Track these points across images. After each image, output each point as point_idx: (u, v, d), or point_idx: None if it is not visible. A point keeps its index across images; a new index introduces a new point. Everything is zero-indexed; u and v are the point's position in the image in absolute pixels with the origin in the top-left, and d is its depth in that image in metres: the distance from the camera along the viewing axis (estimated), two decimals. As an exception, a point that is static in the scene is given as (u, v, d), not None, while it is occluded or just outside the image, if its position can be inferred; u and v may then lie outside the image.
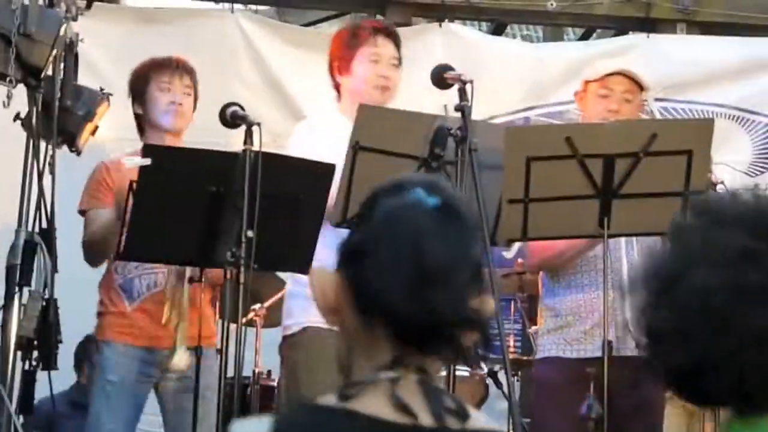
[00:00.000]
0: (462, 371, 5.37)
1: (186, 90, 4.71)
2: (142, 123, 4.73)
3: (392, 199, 1.67)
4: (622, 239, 4.52)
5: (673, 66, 7.00)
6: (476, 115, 4.31)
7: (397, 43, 4.64)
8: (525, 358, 5.68)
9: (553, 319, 4.64)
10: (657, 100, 6.66)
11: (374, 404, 1.56)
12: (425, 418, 1.55)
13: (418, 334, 1.60)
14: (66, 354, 4.59)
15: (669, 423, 4.94)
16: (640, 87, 4.74)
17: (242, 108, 4.29)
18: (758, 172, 6.98)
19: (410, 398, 1.56)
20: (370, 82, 4.52)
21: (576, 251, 4.51)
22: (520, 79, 6.98)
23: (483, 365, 5.90)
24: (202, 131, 5.14)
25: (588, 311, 4.51)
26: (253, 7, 7.39)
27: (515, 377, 5.09)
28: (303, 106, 6.54)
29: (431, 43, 6.78)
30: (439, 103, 4.27)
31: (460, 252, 1.64)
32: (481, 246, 1.75)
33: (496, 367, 5.68)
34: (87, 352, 5.28)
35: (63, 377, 4.76)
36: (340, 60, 4.60)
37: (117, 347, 4.51)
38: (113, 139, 4.84)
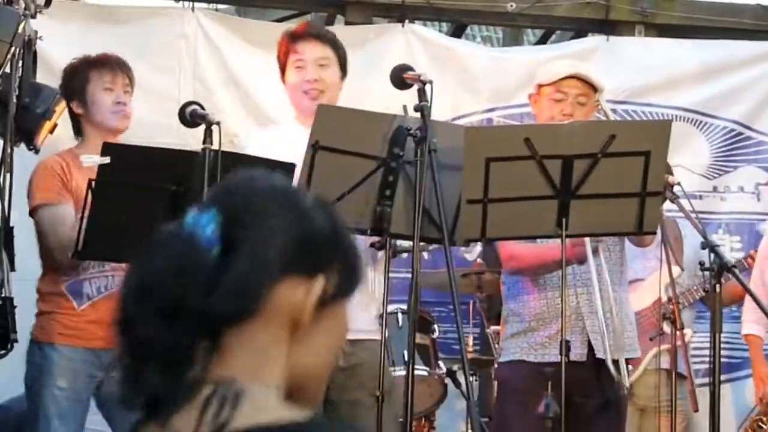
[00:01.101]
0: (420, 371, 5.39)
1: (126, 88, 4.66)
2: (82, 123, 4.65)
3: None
4: (588, 242, 4.56)
5: (633, 69, 7.05)
6: (437, 115, 4.34)
7: (326, 42, 4.60)
8: (484, 357, 5.71)
9: (517, 324, 4.65)
10: (617, 103, 6.70)
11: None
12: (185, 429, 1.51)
13: None
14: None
15: None
16: (594, 89, 4.77)
17: (202, 107, 4.29)
18: (716, 175, 7.04)
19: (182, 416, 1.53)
20: (298, 88, 4.53)
21: (546, 269, 4.54)
22: (481, 81, 7.00)
23: (442, 365, 5.93)
24: (161, 130, 5.15)
25: (553, 316, 4.53)
26: (213, 5, 7.36)
27: (474, 377, 5.11)
28: (263, 104, 6.55)
29: (393, 43, 6.79)
30: (403, 102, 4.28)
31: None
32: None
33: (455, 367, 5.70)
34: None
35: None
36: (280, 71, 4.62)
37: (63, 350, 4.47)
38: (71, 136, 4.80)
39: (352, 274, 1.64)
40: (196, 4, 6.98)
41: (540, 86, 4.78)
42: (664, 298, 5.49)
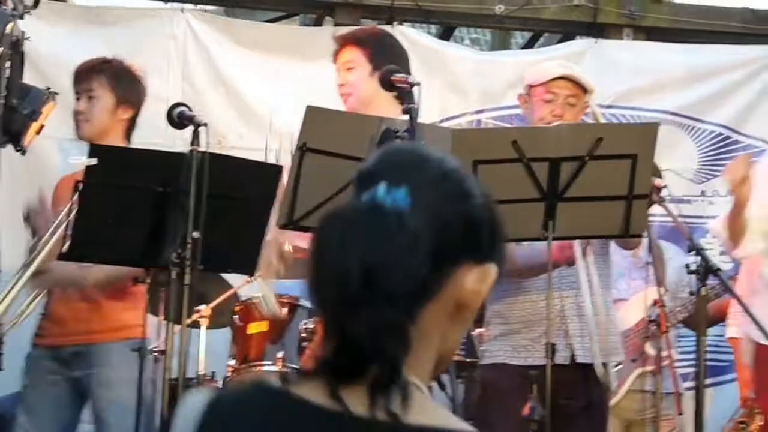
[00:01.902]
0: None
1: (90, 94, 4.72)
2: None
3: None
4: (577, 245, 4.56)
5: (621, 73, 7.05)
6: (426, 117, 4.34)
7: (353, 45, 4.69)
8: (469, 360, 5.70)
9: (501, 325, 4.64)
10: (605, 107, 6.70)
11: (311, 390, 1.57)
12: (358, 408, 1.53)
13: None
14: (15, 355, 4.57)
15: None
16: (584, 90, 4.77)
17: (189, 108, 4.29)
18: (704, 179, 7.04)
19: (350, 389, 1.55)
20: (339, 91, 4.68)
21: (534, 273, 4.54)
22: (470, 83, 7.00)
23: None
24: (149, 131, 5.13)
25: (537, 319, 4.51)
26: (202, 7, 7.36)
27: (459, 379, 5.10)
28: (253, 105, 6.55)
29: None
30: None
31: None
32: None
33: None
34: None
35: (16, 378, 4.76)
36: None
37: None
38: (57, 138, 4.81)
39: (503, 262, 1.65)
40: (185, 6, 6.98)
41: (530, 86, 4.78)
42: (648, 318, 5.50)
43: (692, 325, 5.39)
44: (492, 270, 1.59)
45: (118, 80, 4.76)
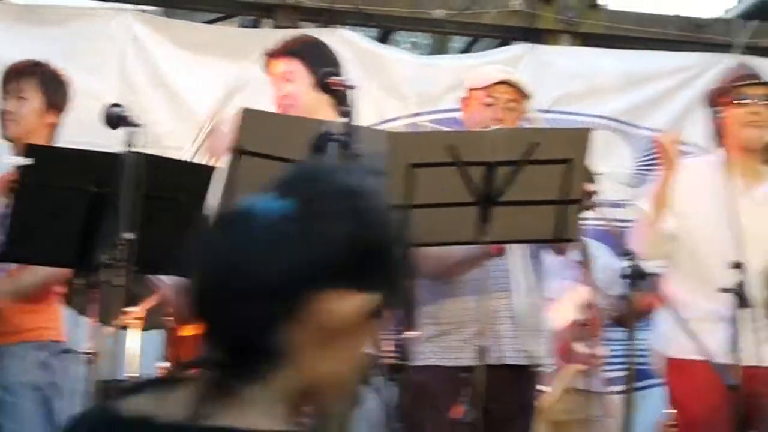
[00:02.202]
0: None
1: (20, 94, 4.73)
2: None
3: None
4: (516, 248, 4.58)
5: (558, 78, 7.09)
6: (363, 120, 4.34)
7: (289, 56, 4.65)
8: (402, 363, 5.70)
9: (432, 326, 4.65)
10: (543, 111, 6.73)
11: (140, 402, 1.54)
12: (176, 412, 1.49)
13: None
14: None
15: None
16: (524, 95, 4.81)
17: (125, 108, 4.26)
18: (639, 184, 7.09)
19: (181, 393, 1.52)
20: (276, 104, 4.62)
21: (463, 269, 4.56)
22: (408, 86, 7.01)
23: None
24: (87, 131, 5.09)
25: (468, 320, 4.53)
26: (141, 7, 7.31)
27: (392, 382, 5.11)
28: (191, 105, 6.52)
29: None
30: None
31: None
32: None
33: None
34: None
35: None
36: None
37: None
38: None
39: (394, 294, 1.58)
40: (125, 6, 6.93)
41: (471, 90, 4.83)
42: (578, 318, 5.54)
43: (622, 323, 5.41)
44: (371, 301, 1.52)
45: (48, 84, 4.74)
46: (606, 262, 5.54)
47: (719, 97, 4.86)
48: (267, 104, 4.61)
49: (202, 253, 1.55)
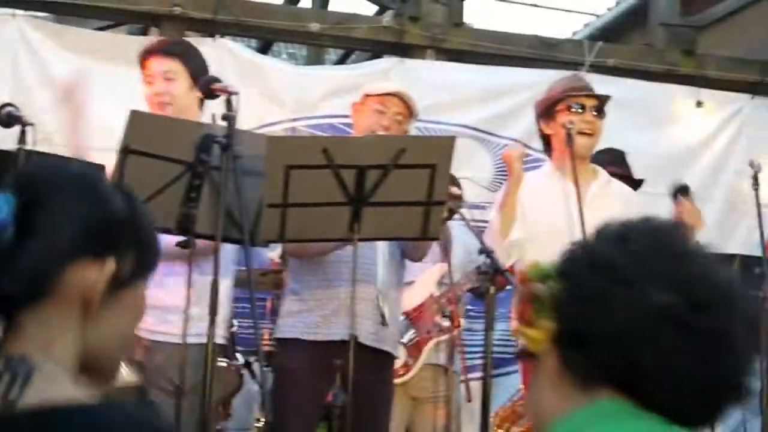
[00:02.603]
0: (221, 362, 5.37)
1: None
2: None
3: None
4: (378, 243, 4.62)
5: (424, 90, 7.09)
6: (244, 124, 4.33)
7: (172, 56, 4.57)
8: (277, 350, 5.72)
9: (296, 302, 4.68)
10: (411, 119, 6.78)
11: None
12: None
13: None
14: None
15: (394, 411, 5.04)
16: (412, 113, 4.87)
17: (17, 108, 4.20)
18: (497, 187, 7.09)
19: None
20: (149, 101, 4.53)
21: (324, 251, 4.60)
22: (286, 93, 7.01)
23: (239, 357, 5.93)
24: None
25: (330, 299, 4.58)
26: (33, 13, 7.19)
27: (269, 368, 5.12)
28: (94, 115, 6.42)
29: (204, 56, 6.72)
30: (213, 111, 4.26)
31: None
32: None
33: (252, 359, 5.73)
34: None
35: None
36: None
37: None
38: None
39: (147, 257, 1.62)
40: (17, 11, 6.80)
41: (367, 96, 4.85)
42: (437, 293, 5.59)
43: (478, 295, 5.43)
44: (108, 265, 1.56)
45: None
46: (464, 240, 5.58)
47: (552, 106, 4.89)
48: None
49: None
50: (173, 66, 4.54)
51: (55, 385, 1.48)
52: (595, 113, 4.87)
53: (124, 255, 1.58)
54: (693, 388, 1.61)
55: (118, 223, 1.58)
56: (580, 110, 4.85)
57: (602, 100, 4.92)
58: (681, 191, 4.94)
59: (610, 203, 4.80)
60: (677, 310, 1.59)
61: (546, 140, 5.00)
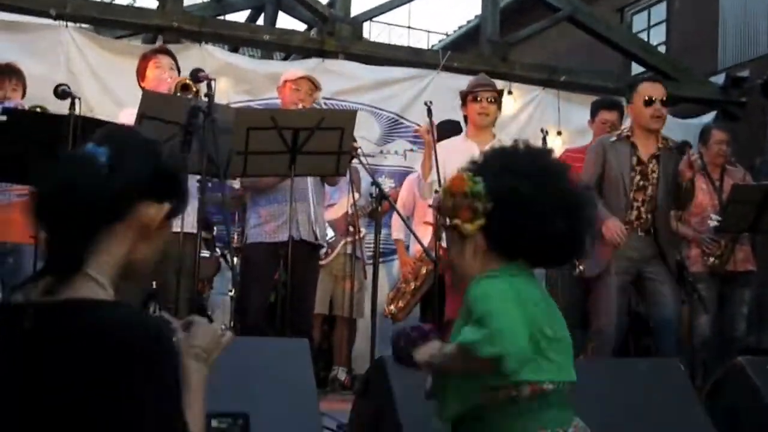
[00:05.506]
0: (204, 254, 5.30)
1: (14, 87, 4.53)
2: None
3: None
4: (308, 177, 4.57)
5: (336, 80, 6.92)
6: (220, 100, 4.23)
7: (171, 56, 4.51)
8: (245, 249, 5.68)
9: (256, 219, 4.63)
10: (327, 99, 6.65)
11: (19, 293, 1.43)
12: (17, 298, 1.41)
13: None
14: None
15: (321, 285, 5.05)
16: (317, 88, 4.80)
17: (69, 86, 4.06)
18: (383, 143, 7.04)
19: (42, 283, 1.41)
20: (157, 81, 4.37)
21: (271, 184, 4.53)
22: (247, 82, 6.78)
23: (218, 250, 5.88)
24: (45, 101, 4.77)
25: (279, 215, 4.54)
26: (80, 25, 6.88)
27: (237, 258, 5.09)
28: (111, 87, 6.19)
29: (193, 56, 6.53)
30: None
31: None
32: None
33: (227, 251, 5.68)
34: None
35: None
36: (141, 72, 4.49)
37: None
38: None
39: (182, 205, 1.57)
40: (70, 23, 6.48)
41: (286, 81, 4.79)
42: (350, 211, 5.60)
43: (372, 216, 5.38)
44: (165, 207, 1.51)
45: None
46: (366, 180, 5.56)
47: (465, 96, 4.76)
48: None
49: (50, 177, 1.44)
50: (172, 62, 4.48)
51: (87, 286, 1.42)
52: (491, 101, 4.72)
53: (172, 201, 1.53)
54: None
55: (173, 178, 1.54)
56: (480, 100, 4.70)
57: (498, 93, 4.80)
58: None
59: None
60: (563, 195, 1.86)
61: (465, 119, 4.86)
